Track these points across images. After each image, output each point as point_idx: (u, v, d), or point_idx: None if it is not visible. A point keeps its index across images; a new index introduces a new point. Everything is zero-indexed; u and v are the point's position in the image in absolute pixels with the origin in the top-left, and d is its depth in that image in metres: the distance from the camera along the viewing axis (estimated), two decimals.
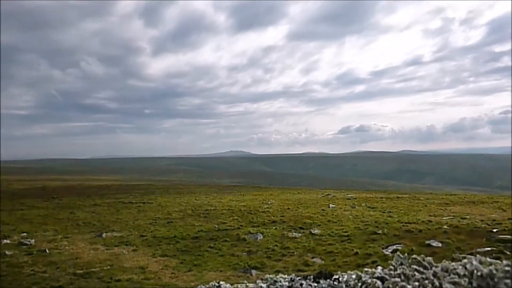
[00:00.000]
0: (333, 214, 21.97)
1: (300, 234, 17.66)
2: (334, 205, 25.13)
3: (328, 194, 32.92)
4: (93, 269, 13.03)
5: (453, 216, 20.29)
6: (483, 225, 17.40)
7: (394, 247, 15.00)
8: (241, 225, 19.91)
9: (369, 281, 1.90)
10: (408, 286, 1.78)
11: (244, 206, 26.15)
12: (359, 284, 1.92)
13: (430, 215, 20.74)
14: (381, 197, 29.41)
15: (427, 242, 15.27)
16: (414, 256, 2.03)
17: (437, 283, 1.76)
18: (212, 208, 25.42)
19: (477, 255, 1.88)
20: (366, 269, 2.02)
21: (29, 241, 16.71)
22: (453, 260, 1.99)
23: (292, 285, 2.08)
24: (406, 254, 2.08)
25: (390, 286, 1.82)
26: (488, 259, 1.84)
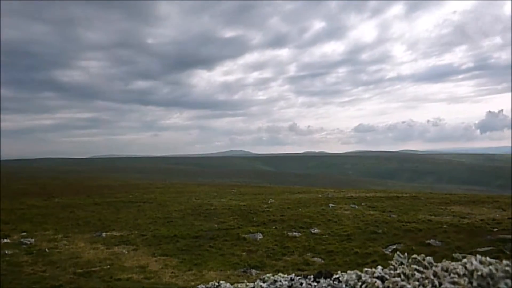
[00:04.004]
0: (333, 214, 21.97)
1: (300, 234, 17.68)
2: (334, 205, 25.12)
3: (328, 194, 32.91)
4: (93, 268, 13.06)
5: (453, 215, 20.30)
6: (483, 225, 17.42)
7: (394, 246, 15.03)
8: (241, 225, 19.93)
9: (369, 280, 1.89)
10: (408, 286, 1.78)
11: (244, 205, 26.15)
12: (359, 283, 1.92)
13: (430, 215, 20.75)
14: (381, 197, 29.40)
15: (427, 241, 15.31)
16: (414, 255, 2.03)
17: (437, 283, 1.76)
18: (212, 208, 25.42)
19: (477, 255, 1.88)
20: (366, 268, 2.02)
21: (29, 241, 16.74)
22: (453, 259, 1.99)
23: (292, 284, 2.08)
24: (406, 254, 2.08)
25: (390, 285, 1.82)
26: (488, 259, 1.84)
